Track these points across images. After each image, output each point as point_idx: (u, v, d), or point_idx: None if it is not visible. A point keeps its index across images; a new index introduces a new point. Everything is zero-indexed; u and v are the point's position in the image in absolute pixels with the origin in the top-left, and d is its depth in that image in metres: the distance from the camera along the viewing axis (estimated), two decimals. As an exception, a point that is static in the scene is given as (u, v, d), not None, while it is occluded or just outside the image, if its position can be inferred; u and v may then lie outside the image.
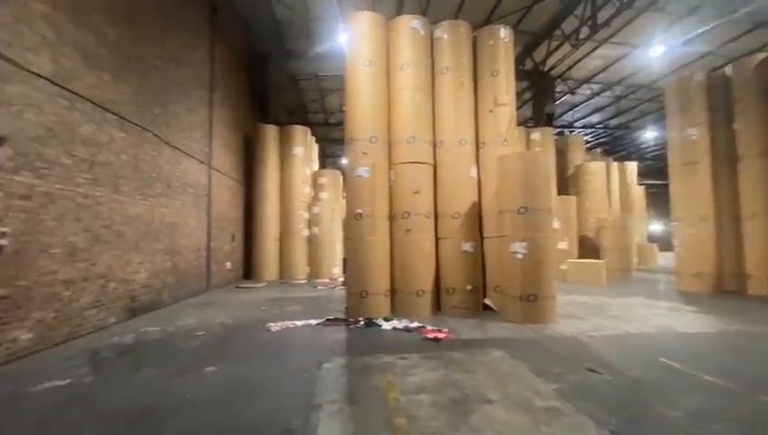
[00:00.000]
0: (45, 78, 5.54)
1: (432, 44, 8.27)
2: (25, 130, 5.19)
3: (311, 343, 5.73)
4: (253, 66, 15.86)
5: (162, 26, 8.92)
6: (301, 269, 14.55)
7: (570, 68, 17.80)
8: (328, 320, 7.01)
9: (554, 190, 14.57)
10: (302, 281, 14.08)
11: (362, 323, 6.82)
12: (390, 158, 7.83)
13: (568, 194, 15.89)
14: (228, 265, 13.23)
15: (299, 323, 6.95)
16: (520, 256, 6.57)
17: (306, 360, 4.92)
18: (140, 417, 3.40)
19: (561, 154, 17.23)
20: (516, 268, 6.65)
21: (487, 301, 7.74)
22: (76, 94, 6.14)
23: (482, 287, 7.94)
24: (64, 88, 5.89)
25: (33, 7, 5.35)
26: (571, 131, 24.76)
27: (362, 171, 7.32)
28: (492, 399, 3.65)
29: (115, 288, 7.05)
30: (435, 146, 8.04)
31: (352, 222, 7.51)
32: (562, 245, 13.28)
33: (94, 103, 6.55)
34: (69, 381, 4.30)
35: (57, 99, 5.78)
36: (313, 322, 7.02)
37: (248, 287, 12.40)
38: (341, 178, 16.40)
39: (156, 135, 8.56)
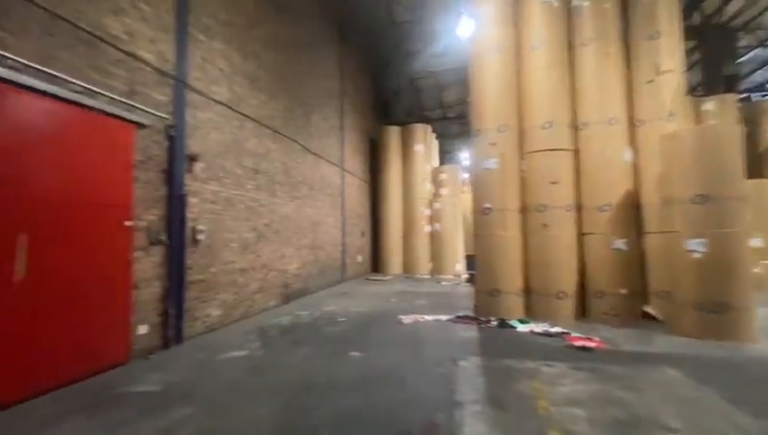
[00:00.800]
0: (223, 104, 6.79)
1: (569, 15, 7.37)
2: (211, 147, 6.45)
3: (443, 339, 5.73)
4: (375, 72, 16.74)
5: (302, 46, 10.07)
6: (423, 264, 14.79)
7: (760, 14, 13.82)
8: (458, 317, 6.92)
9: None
10: (426, 276, 14.29)
11: (495, 322, 6.52)
12: (522, 146, 7.27)
13: (762, 177, 12.37)
14: (359, 258, 14.28)
15: (429, 317, 7.03)
16: (697, 255, 5.35)
17: (441, 355, 4.93)
18: (302, 391, 3.87)
19: (752, 125, 13.48)
20: (691, 271, 5.44)
21: (649, 308, 6.56)
22: (244, 115, 7.37)
23: (641, 292, 6.76)
24: (236, 111, 7.13)
25: (214, 47, 6.61)
26: (764, 95, 19.23)
27: (491, 163, 6.98)
28: (674, 427, 3.03)
29: (274, 277, 8.27)
30: (576, 129, 7.15)
31: (480, 217, 7.23)
32: (756, 242, 10.40)
33: (256, 121, 7.78)
34: (246, 352, 5.18)
35: (232, 120, 7.03)
36: (443, 317, 7.02)
37: (376, 280, 13.16)
38: (462, 174, 16.08)
39: (300, 144, 9.73)
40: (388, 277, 13.92)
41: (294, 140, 9.43)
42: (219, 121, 6.69)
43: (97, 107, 4.37)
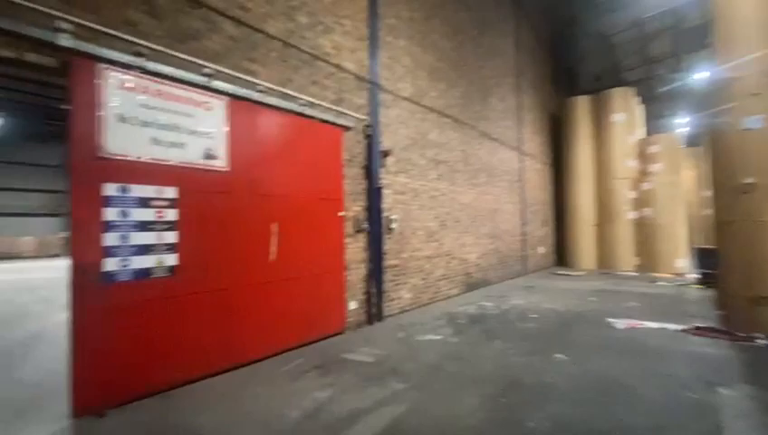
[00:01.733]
0: (408, 99, 7.12)
1: None
2: (399, 142, 6.85)
3: (681, 354, 4.51)
4: (554, 39, 14.81)
5: (476, 28, 9.68)
6: (626, 259, 12.33)
7: None
8: (698, 328, 5.36)
9: None
10: (631, 273, 11.87)
11: (763, 341, 4.76)
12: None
13: None
14: (541, 250, 13.04)
15: (652, 324, 5.70)
16: None
17: (684, 374, 3.86)
18: (509, 388, 3.63)
19: None
20: None
21: None
22: (426, 107, 7.57)
23: None
24: (419, 104, 7.38)
25: (399, 45, 6.97)
26: None
27: (753, 122, 5.06)
28: None
29: (456, 265, 8.30)
30: None
31: (730, 198, 5.38)
32: None
33: (437, 112, 7.89)
34: (440, 337, 5.30)
35: (415, 114, 7.31)
36: (671, 326, 5.58)
37: (565, 275, 11.72)
38: (682, 144, 12.59)
39: (478, 130, 9.43)
40: (578, 272, 12.23)
41: (473, 127, 9.19)
42: (405, 116, 7.04)
43: (316, 116, 5.16)
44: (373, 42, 6.24)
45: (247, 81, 4.41)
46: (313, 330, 5.00)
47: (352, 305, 5.66)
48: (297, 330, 4.80)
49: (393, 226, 6.46)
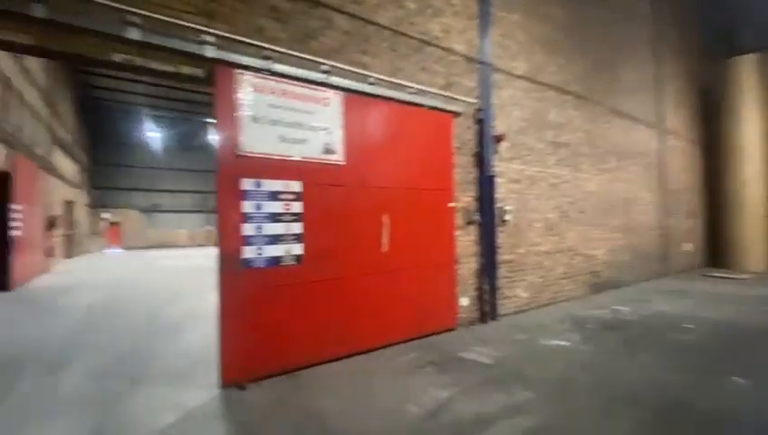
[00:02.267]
0: (523, 77, 6.47)
1: None
2: (513, 125, 6.27)
3: None
4: (708, -12, 12.04)
5: (604, -11, 8.36)
6: (819, 259, 9.47)
7: None
8: None
9: None
10: (827, 278, 9.08)
11: None
12: None
13: None
14: (688, 246, 10.84)
15: None
16: None
17: None
18: (671, 413, 2.96)
19: None
20: None
21: None
22: (543, 84, 6.80)
23: None
24: (535, 82, 6.66)
25: (512, 20, 6.36)
26: None
27: None
28: None
29: (580, 262, 7.34)
30: None
31: None
32: None
33: (556, 88, 7.03)
34: (568, 343, 4.68)
35: (531, 93, 6.62)
36: None
37: (722, 277, 9.52)
38: None
39: (605, 106, 8.17)
40: (742, 275, 9.84)
41: (599, 103, 8.00)
42: (519, 97, 6.42)
43: (425, 103, 4.98)
44: (484, 19, 5.79)
45: (360, 74, 4.44)
46: (425, 324, 4.87)
47: (464, 302, 5.38)
48: (409, 323, 4.72)
49: (507, 217, 5.95)
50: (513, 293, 6.10)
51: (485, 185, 5.61)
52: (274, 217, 3.74)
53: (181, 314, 6.37)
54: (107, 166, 26.01)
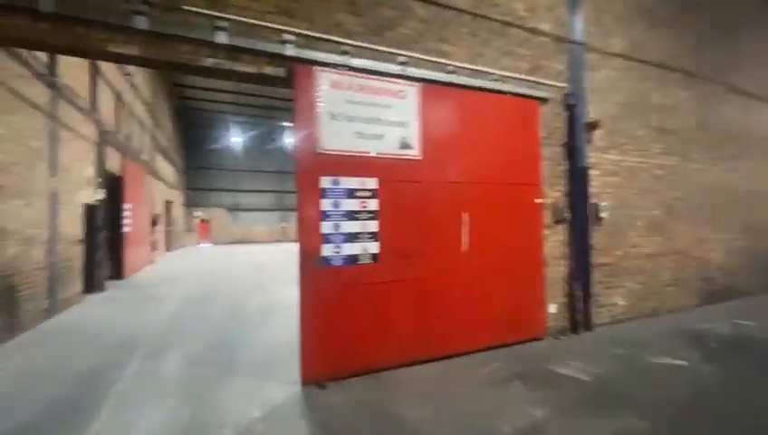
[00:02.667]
0: (620, 55, 5.69)
1: None
2: (609, 110, 5.54)
3: None
4: None
5: (721, -56, 7.06)
6: None
7: None
8: None
9: None
10: None
11: None
12: None
13: None
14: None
15: None
16: None
17: None
18: None
19: None
20: None
21: None
22: (644, 62, 5.92)
23: None
24: (635, 59, 5.82)
25: (608, -9, 5.62)
26: None
27: None
28: None
29: (691, 267, 6.31)
30: None
31: None
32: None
33: (660, 66, 6.09)
34: (685, 363, 3.98)
35: (630, 73, 5.80)
36: None
37: None
38: None
39: (721, 84, 6.92)
40: None
41: (713, 80, 6.79)
42: (616, 78, 5.65)
43: (509, 90, 4.56)
44: (575, -7, 5.17)
45: (438, 63, 4.18)
46: (509, 331, 4.48)
47: (552, 309, 4.86)
48: (492, 329, 4.37)
49: (603, 215, 5.28)
50: (610, 301, 5.40)
51: (577, 178, 5.02)
52: (351, 215, 3.67)
53: (263, 306, 6.69)
54: (198, 169, 28.88)
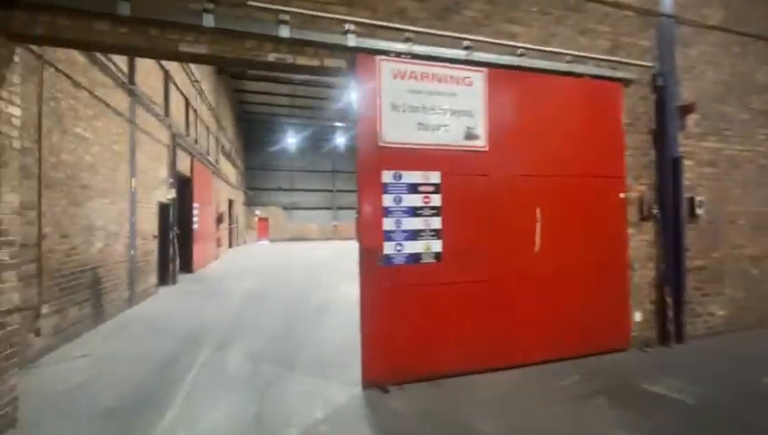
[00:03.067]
0: (718, 28, 4.93)
1: None
2: (706, 91, 4.82)
3: None
4: None
5: None
6: None
7: None
8: None
9: None
10: None
11: None
12: None
13: None
14: None
15: None
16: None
17: None
18: None
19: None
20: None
21: None
22: (746, 35, 5.09)
23: None
24: (735, 32, 5.01)
25: (704, -46, 4.89)
26: None
27: None
28: None
29: (810, 273, 5.33)
30: None
31: None
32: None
33: (763, 38, 5.20)
34: (815, 388, 3.30)
35: (730, 48, 5.02)
36: None
37: None
38: None
39: None
40: None
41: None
42: (714, 54, 4.91)
43: (586, 72, 4.10)
44: (664, -41, 4.54)
45: (506, 45, 3.85)
46: (588, 341, 4.03)
47: (637, 317, 4.32)
48: (568, 338, 3.95)
49: (698, 211, 4.60)
50: (706, 309, 4.70)
51: (667, 170, 4.41)
52: (414, 211, 3.48)
53: (322, 303, 6.74)
54: (256, 169, 30.42)
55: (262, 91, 21.32)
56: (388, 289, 3.36)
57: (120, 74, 6.04)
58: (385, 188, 3.38)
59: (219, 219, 15.32)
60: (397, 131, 3.44)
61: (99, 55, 5.33)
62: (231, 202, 20.25)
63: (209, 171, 13.75)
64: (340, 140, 29.15)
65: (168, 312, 6.30)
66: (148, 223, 7.47)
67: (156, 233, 7.82)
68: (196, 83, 11.66)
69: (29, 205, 3.84)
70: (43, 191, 4.07)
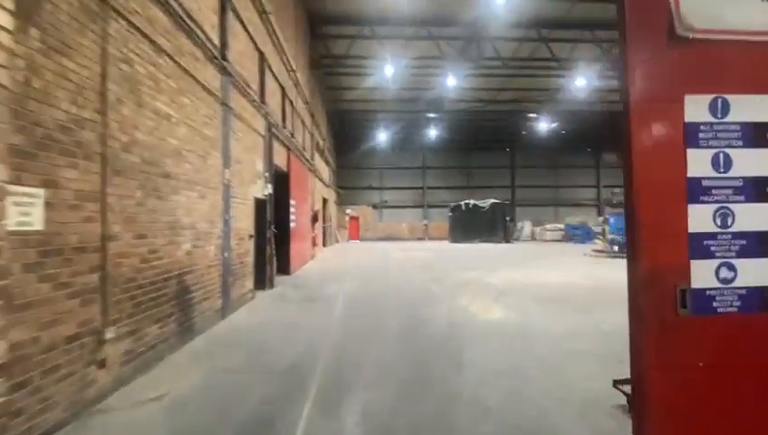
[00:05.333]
0: None
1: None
2: None
3: None
4: None
5: None
6: None
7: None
8: None
9: None
10: None
11: None
12: None
13: None
14: None
15: None
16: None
17: None
18: None
19: None
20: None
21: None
22: None
23: None
24: None
25: None
26: None
27: None
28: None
29: None
30: None
31: None
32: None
33: None
34: None
35: None
36: None
37: None
38: None
39: None
40: None
41: None
42: None
43: None
44: None
45: None
46: None
47: None
48: None
49: None
50: None
51: None
52: (762, 190, 1.53)
53: (447, 323, 5.13)
54: (347, 168, 30.33)
55: (352, 86, 20.56)
56: (701, 373, 1.49)
57: (210, 46, 5.13)
58: (691, 137, 1.51)
59: (315, 218, 14.77)
60: (715, 8, 1.55)
61: (185, 18, 4.40)
62: (325, 201, 19.93)
63: (305, 167, 13.15)
64: (432, 133, 27.40)
65: (265, 327, 5.25)
66: (245, 221, 6.64)
67: (252, 232, 6.99)
68: (292, 73, 10.99)
69: (88, 195, 2.85)
70: (111, 178, 3.09)
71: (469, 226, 24.91)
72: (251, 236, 6.91)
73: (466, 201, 26.20)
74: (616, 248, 14.65)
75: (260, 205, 7.60)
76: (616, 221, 16.16)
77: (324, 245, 19.71)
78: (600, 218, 27.32)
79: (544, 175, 31.97)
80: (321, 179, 17.96)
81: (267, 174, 8.07)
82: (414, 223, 31.09)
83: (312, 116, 15.65)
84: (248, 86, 6.81)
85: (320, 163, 17.97)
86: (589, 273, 10.02)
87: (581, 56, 16.34)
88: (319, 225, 16.95)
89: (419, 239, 29.45)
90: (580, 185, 32.41)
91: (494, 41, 15.23)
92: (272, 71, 8.75)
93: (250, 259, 6.87)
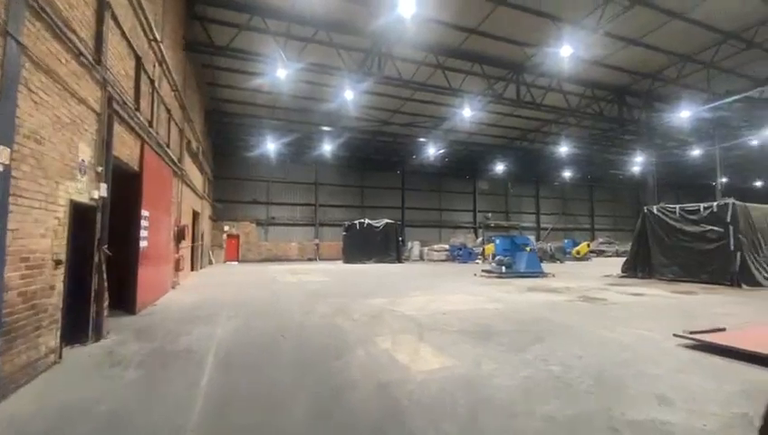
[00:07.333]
0: None
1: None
2: None
3: None
4: None
5: None
6: None
7: None
8: None
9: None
10: None
11: None
12: None
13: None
14: None
15: None
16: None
17: None
18: None
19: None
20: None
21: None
22: None
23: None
24: None
25: None
26: None
27: None
28: None
29: None
30: None
31: None
32: None
33: None
34: None
35: None
36: None
37: None
38: None
39: None
40: None
41: None
42: None
43: None
44: None
45: None
46: None
47: None
48: None
49: None
50: None
51: None
52: None
53: (373, 391, 3.53)
54: (226, 178, 26.53)
55: (238, 86, 17.85)
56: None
57: None
58: None
59: (181, 235, 11.65)
60: None
61: None
62: (196, 215, 16.47)
63: (169, 170, 10.21)
64: (327, 148, 25.93)
65: (59, 432, 2.86)
66: (46, 237, 4.04)
67: (62, 256, 4.36)
68: (154, 43, 8.31)
69: None
70: None
71: (363, 245, 23.97)
72: (58, 263, 4.27)
73: (361, 220, 25.30)
74: (503, 269, 15.17)
75: (83, 213, 4.95)
76: (502, 242, 17.01)
77: (193, 268, 16.14)
78: (479, 240, 29.67)
79: (430, 198, 33.46)
80: (192, 188, 14.69)
81: (101, 169, 5.43)
82: (304, 242, 28.76)
83: (183, 109, 12.64)
84: (68, 26, 4.34)
85: (191, 168, 14.74)
86: (491, 295, 9.69)
87: (470, 88, 17.06)
88: (187, 243, 13.63)
89: (310, 260, 27.27)
90: (460, 209, 34.84)
91: (395, 60, 14.77)
92: (120, 26, 6.19)
93: (54, 300, 4.21)
